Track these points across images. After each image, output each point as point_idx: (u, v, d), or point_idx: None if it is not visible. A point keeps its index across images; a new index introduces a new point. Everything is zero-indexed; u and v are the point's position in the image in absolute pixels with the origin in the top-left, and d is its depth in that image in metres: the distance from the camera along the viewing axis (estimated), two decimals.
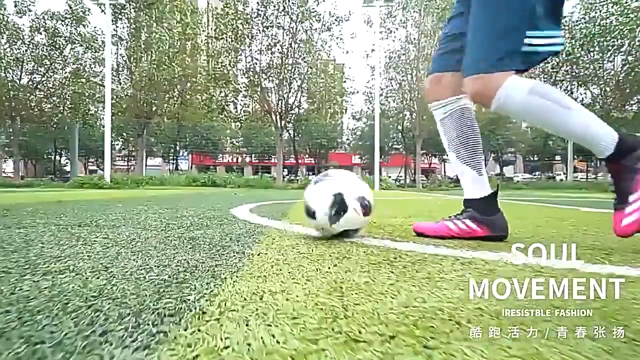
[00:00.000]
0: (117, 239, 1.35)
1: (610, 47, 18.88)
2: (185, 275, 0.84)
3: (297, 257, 1.06)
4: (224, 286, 0.75)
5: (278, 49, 22.00)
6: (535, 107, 1.27)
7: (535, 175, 42.36)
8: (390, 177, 27.50)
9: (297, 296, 0.70)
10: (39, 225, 1.70)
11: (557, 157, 41.30)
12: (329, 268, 0.93)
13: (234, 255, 1.07)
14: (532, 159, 41.83)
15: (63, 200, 4.18)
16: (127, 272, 0.86)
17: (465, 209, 1.51)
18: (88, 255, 1.04)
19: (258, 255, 1.09)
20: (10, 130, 23.98)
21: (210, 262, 0.98)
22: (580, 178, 33.97)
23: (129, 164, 36.33)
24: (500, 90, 1.26)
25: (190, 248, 1.18)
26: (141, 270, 0.88)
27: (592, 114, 1.28)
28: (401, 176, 35.26)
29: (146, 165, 27.60)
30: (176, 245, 1.24)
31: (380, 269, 0.93)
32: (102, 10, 18.74)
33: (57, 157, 37.92)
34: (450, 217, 1.53)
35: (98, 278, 0.80)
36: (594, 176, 36.14)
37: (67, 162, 36.92)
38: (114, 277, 0.81)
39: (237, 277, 0.83)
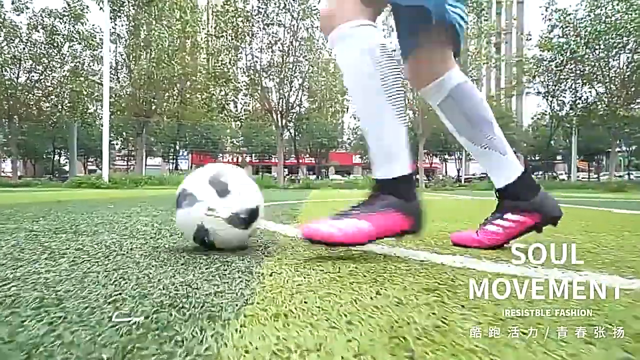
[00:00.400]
0: (93, 251, 1.09)
1: (615, 45, 18.58)
2: (170, 312, 0.58)
3: (322, 279, 0.80)
4: (226, 335, 0.50)
5: (279, 47, 21.72)
6: (360, 73, 1.01)
7: (536, 175, 42.07)
8: None
9: (344, 358, 0.44)
10: (6, 232, 1.44)
11: (559, 157, 40.99)
12: (372, 298, 0.67)
13: (239, 277, 0.81)
14: (533, 158, 41.47)
15: (53, 200, 3.92)
16: (86, 307, 0.60)
17: (499, 202, 1.25)
18: (45, 278, 0.78)
19: (271, 275, 0.83)
20: (8, 129, 23.66)
21: (206, 288, 0.72)
22: (582, 178, 33.66)
23: (129, 163, 36.03)
24: (340, 27, 1.00)
25: (182, 264, 0.92)
26: (108, 304, 0.62)
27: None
28: None
29: (146, 164, 27.32)
30: (165, 260, 0.98)
31: (444, 300, 0.67)
32: (101, 8, 18.44)
33: (56, 157, 37.65)
34: (485, 220, 1.26)
35: (40, 320, 0.54)
36: (595, 176, 35.88)
37: (66, 162, 36.63)
38: (65, 317, 0.55)
39: (245, 316, 0.57)
